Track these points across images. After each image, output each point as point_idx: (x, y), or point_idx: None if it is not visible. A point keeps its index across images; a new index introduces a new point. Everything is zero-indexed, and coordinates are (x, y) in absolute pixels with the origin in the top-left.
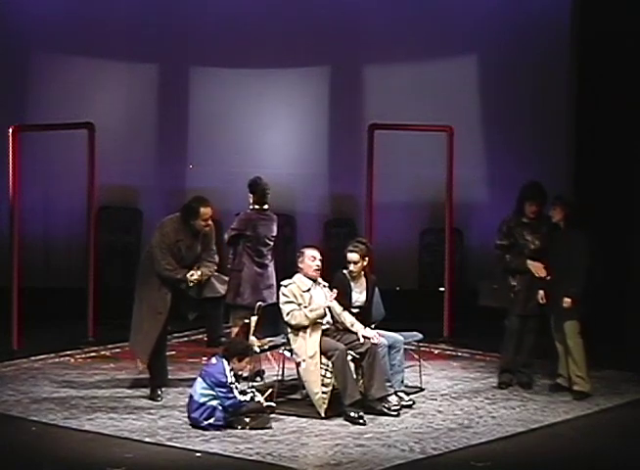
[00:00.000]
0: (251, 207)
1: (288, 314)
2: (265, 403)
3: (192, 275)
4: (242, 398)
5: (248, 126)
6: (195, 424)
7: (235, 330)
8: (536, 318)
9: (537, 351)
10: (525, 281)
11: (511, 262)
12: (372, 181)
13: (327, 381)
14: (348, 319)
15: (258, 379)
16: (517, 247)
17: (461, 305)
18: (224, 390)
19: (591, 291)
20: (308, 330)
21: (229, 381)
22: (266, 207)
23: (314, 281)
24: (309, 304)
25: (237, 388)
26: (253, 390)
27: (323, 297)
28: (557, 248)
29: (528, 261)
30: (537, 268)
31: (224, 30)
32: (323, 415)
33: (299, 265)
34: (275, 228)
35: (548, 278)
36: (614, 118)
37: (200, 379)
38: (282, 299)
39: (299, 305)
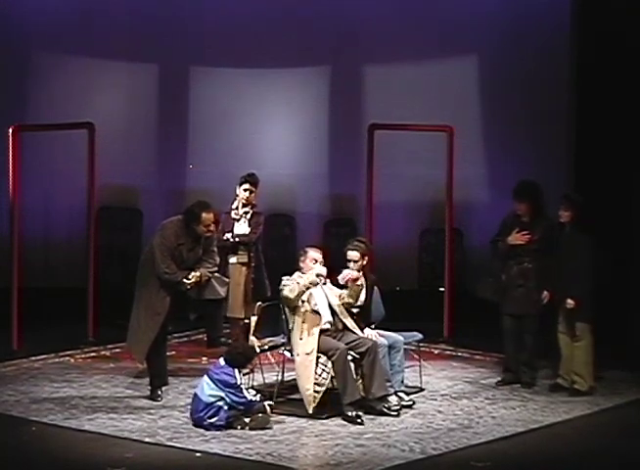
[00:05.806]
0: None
1: (284, 285)
2: (267, 404)
3: (189, 278)
4: (252, 397)
5: (248, 126)
6: (197, 423)
7: None
8: (531, 317)
9: (538, 350)
10: (513, 279)
11: (500, 249)
12: (372, 181)
13: (322, 381)
14: (349, 324)
15: None
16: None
17: (461, 306)
18: (234, 391)
19: (597, 292)
20: (306, 327)
21: (238, 382)
22: None
23: None
24: (308, 300)
25: (246, 388)
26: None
27: (323, 296)
28: (563, 248)
29: (509, 238)
30: (517, 237)
31: (224, 30)
32: (311, 412)
33: (301, 264)
34: None
35: (526, 243)
36: (614, 119)
37: (207, 380)
38: (283, 281)
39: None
